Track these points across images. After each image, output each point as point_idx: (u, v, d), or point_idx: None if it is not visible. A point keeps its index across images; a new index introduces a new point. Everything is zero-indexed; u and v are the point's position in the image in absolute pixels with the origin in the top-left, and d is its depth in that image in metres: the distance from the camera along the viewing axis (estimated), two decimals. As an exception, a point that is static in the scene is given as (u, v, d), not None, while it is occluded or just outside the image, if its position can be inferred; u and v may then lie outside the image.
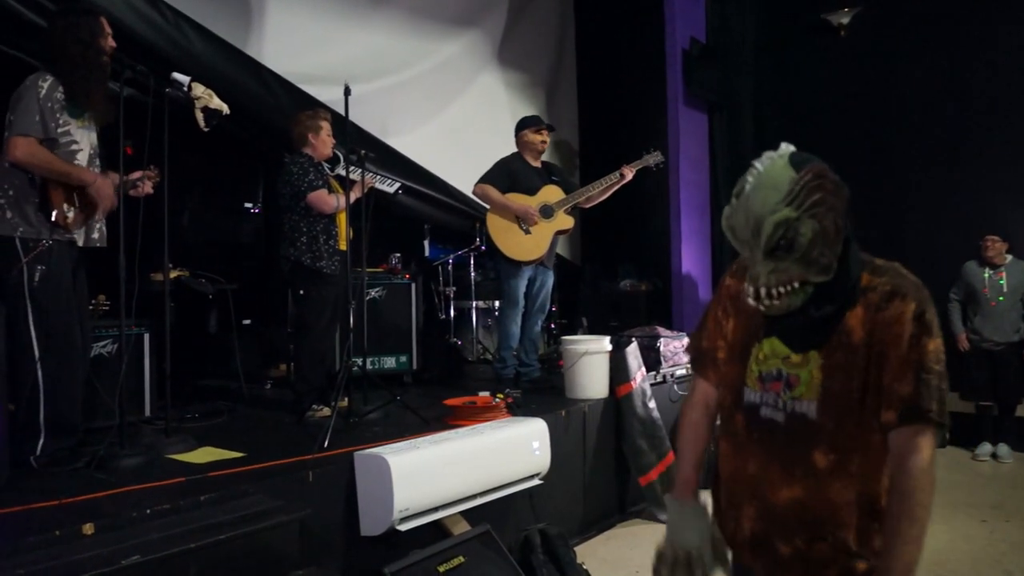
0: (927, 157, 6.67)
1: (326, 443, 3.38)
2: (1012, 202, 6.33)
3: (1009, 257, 6.05)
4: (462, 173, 5.37)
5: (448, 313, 6.09)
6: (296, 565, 2.59)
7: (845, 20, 7.16)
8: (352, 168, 4.19)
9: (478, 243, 5.98)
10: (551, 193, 5.05)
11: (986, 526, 4.45)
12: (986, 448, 5.99)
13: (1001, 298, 5.93)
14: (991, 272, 6.00)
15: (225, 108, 3.59)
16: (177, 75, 3.45)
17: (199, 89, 3.50)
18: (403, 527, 3.09)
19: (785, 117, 7.55)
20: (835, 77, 7.22)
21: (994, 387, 5.95)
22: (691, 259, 7.15)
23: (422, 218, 6.34)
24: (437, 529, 3.34)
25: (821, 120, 7.30)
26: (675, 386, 5.36)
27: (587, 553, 4.12)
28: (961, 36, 6.60)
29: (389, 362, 5.32)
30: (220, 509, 2.61)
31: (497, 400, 4.15)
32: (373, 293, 5.22)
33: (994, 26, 6.46)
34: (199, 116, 3.50)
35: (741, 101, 7.67)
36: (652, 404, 4.74)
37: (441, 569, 2.93)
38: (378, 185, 4.55)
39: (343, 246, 4.27)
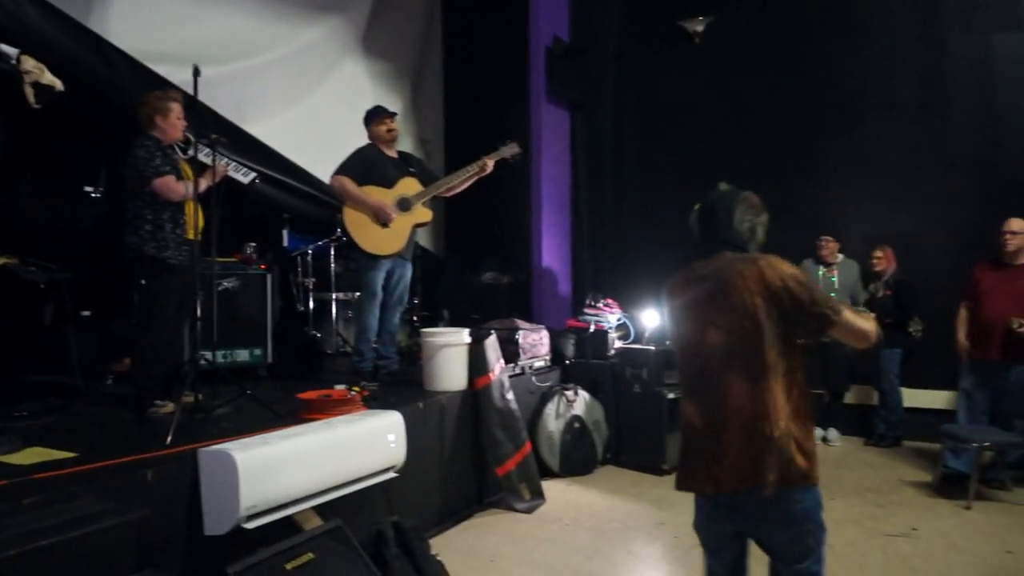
0: (772, 161, 7.08)
1: (168, 440, 3.23)
2: (845, 205, 6.82)
3: (841, 256, 6.51)
4: (324, 162, 5.24)
5: (307, 305, 5.94)
6: (130, 569, 2.46)
7: (700, 28, 7.47)
8: (206, 153, 4.01)
9: (339, 234, 5.86)
10: (409, 186, 5.02)
11: (814, 505, 4.78)
12: (817, 432, 6.43)
13: (833, 294, 6.37)
14: (825, 270, 6.44)
15: (58, 84, 3.35)
16: (4, 47, 3.19)
17: (29, 63, 3.25)
18: (250, 525, 2.99)
19: (644, 117, 7.82)
20: (692, 81, 7.53)
21: (825, 376, 6.40)
22: (551, 253, 7.28)
23: (281, 207, 6.14)
24: (289, 526, 3.26)
25: (678, 122, 7.63)
26: (533, 378, 5.46)
27: (443, 544, 4.14)
28: (808, 47, 7.04)
29: (243, 355, 5.13)
30: (44, 513, 2.43)
31: (353, 393, 4.09)
32: (225, 284, 5.02)
33: (839, 40, 6.92)
34: (28, 92, 3.24)
35: (602, 100, 7.87)
36: (510, 396, 4.82)
37: (288, 566, 2.86)
38: (232, 174, 4.37)
39: (192, 235, 4.07)
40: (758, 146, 7.19)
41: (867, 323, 2.26)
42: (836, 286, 6.37)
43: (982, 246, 5.42)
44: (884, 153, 6.74)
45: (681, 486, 2.31)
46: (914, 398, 6.30)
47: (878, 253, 6.29)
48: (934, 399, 6.24)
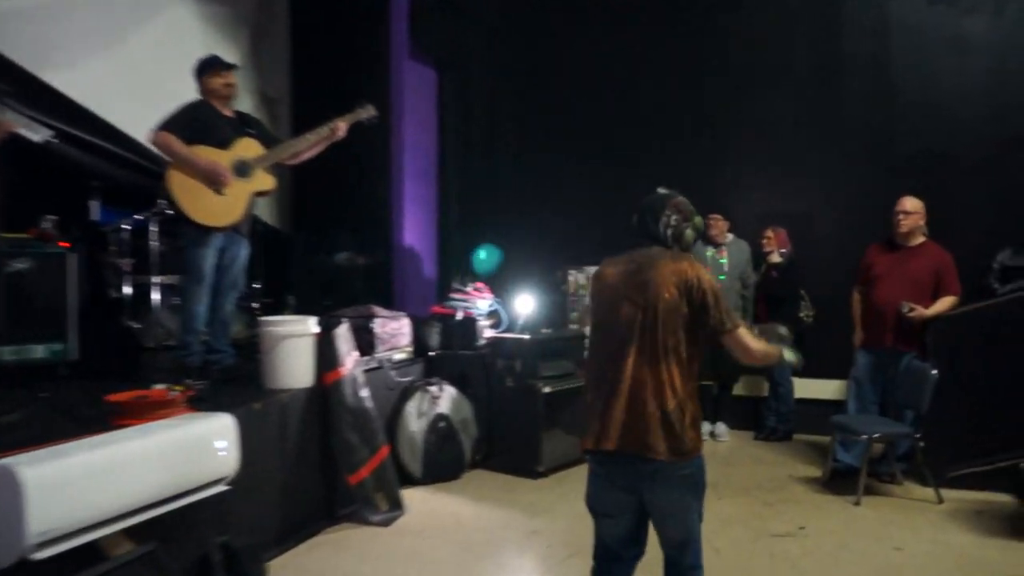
0: (659, 132, 7.26)
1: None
2: (735, 181, 7.07)
3: (731, 236, 6.75)
4: (144, 121, 4.96)
5: (122, 290, 5.62)
6: None
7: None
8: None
9: (163, 205, 5.56)
10: (247, 148, 4.83)
11: (700, 506, 4.95)
12: (704, 428, 6.67)
13: (722, 276, 6.59)
14: (714, 251, 6.66)
15: None
16: None
17: None
18: (42, 555, 2.79)
19: (522, 81, 7.85)
20: (575, 44, 7.60)
21: (714, 366, 6.61)
22: (414, 231, 7.21)
23: (89, 173, 5.78)
24: (93, 553, 3.07)
25: (558, 88, 7.69)
26: (392, 372, 5.43)
27: (287, 565, 4.05)
28: (699, 10, 7.24)
29: (37, 351, 4.81)
30: None
31: (175, 393, 3.90)
32: (15, 265, 4.68)
33: (730, 3, 7.14)
34: None
35: (474, 59, 7.84)
36: (365, 393, 4.75)
37: (89, 602, 2.69)
38: (21, 130, 4.06)
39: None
40: (644, 117, 7.35)
41: (759, 345, 2.87)
42: (726, 267, 6.60)
43: (877, 226, 5.74)
44: (777, 125, 7.03)
45: (584, 445, 2.82)
46: (805, 388, 6.63)
47: (768, 233, 6.56)
48: (825, 389, 6.58)
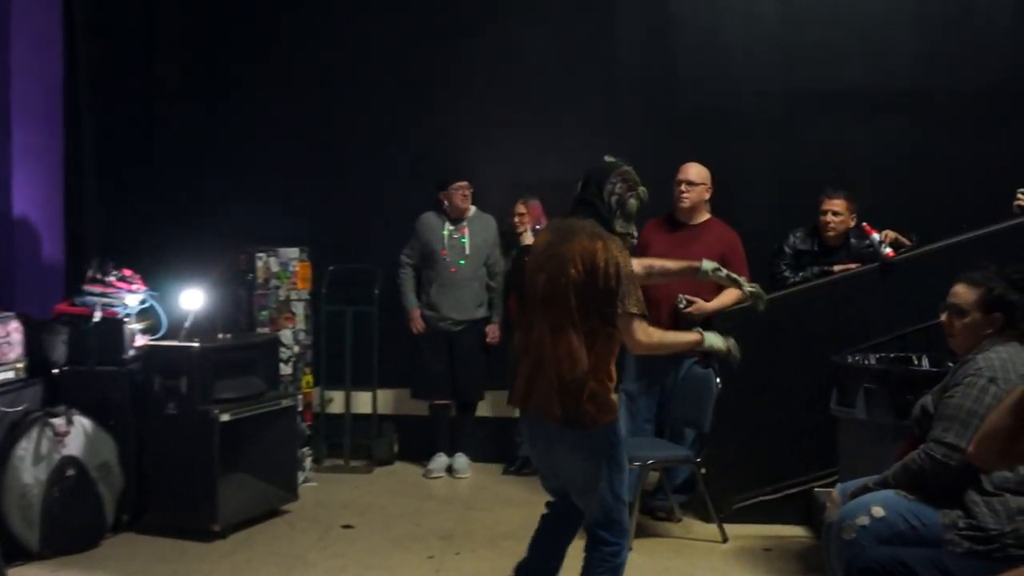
0: (378, 73, 7.33)
1: None
2: (477, 140, 7.25)
3: (473, 209, 6.86)
4: None
5: None
6: None
7: None
8: None
9: None
10: None
11: (432, 563, 5.01)
12: (441, 461, 6.77)
13: (462, 261, 6.70)
14: (452, 228, 6.73)
15: None
16: None
17: None
18: None
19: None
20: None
21: (453, 379, 6.72)
22: (29, 196, 6.78)
23: None
24: None
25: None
26: None
27: None
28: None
29: None
30: None
31: None
32: None
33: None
34: None
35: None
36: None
37: None
38: None
39: None
40: (363, 51, 7.37)
41: (648, 339, 3.62)
42: (467, 249, 6.71)
43: (654, 198, 6.03)
44: (524, 70, 7.27)
45: (510, 400, 4.05)
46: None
47: (520, 207, 6.74)
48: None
